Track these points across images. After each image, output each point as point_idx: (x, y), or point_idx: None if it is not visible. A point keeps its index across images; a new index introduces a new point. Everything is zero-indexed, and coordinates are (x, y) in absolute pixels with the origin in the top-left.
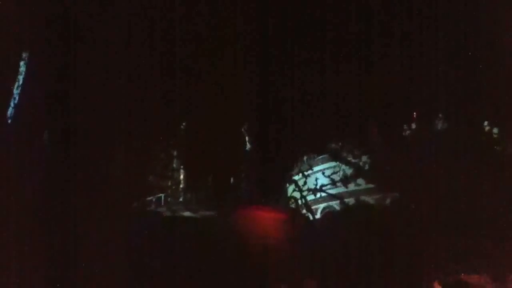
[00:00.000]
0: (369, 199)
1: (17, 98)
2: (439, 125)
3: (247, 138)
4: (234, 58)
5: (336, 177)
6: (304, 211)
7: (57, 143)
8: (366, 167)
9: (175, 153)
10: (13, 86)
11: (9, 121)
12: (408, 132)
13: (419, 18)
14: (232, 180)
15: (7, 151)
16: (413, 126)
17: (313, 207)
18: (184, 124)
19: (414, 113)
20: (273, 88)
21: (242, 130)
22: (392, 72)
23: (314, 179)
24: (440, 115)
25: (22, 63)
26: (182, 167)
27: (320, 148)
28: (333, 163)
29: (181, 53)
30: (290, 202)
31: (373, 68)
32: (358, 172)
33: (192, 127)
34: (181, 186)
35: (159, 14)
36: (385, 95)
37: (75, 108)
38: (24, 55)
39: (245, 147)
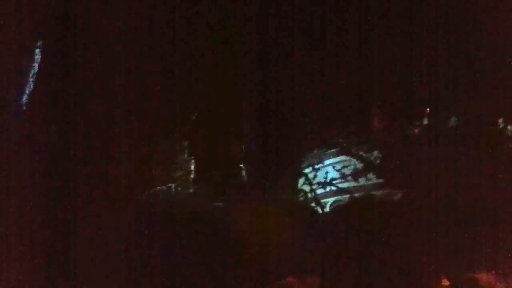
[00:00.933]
0: (378, 194)
1: (32, 86)
2: (450, 121)
3: (249, 131)
4: (237, 48)
5: (347, 171)
6: (313, 204)
7: (61, 134)
8: (377, 162)
9: (185, 143)
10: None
11: (24, 108)
12: (418, 128)
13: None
14: (234, 172)
15: (15, 139)
16: (425, 122)
17: (322, 201)
18: (194, 115)
19: (426, 110)
20: (276, 80)
21: (245, 122)
22: (398, 65)
23: (325, 172)
24: (450, 111)
25: (37, 50)
26: (192, 157)
27: (325, 141)
28: (344, 157)
29: (189, 43)
30: (299, 195)
31: (380, 61)
32: (368, 166)
33: (199, 119)
34: (191, 176)
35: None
36: (392, 89)
37: (81, 100)
38: (39, 42)
39: (248, 140)
